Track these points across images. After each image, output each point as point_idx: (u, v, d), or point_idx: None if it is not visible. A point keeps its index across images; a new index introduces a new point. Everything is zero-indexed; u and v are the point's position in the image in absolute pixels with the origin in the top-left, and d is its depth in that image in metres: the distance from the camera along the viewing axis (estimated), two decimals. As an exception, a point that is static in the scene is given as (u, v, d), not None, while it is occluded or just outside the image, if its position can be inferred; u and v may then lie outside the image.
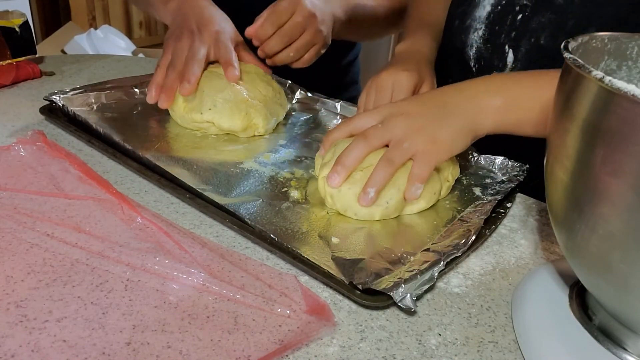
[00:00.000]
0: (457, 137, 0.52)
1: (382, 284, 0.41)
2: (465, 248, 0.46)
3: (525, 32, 0.63)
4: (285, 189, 0.55)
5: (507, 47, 0.65)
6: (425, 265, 0.43)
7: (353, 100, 0.81)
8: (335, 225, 0.50)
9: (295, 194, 0.54)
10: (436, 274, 0.43)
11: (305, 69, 0.80)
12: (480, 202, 0.55)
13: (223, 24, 0.72)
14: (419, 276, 0.42)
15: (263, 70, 0.74)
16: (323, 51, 0.80)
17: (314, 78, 0.87)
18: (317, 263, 0.43)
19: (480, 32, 0.68)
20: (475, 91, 0.54)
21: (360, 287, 0.41)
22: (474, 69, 0.70)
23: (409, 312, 0.41)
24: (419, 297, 0.42)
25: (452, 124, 0.52)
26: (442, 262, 0.44)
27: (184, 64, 0.66)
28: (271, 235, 0.46)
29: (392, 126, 0.51)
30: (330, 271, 0.42)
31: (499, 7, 0.66)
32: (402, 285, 0.40)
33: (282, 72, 0.85)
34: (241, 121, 0.65)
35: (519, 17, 0.64)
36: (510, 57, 0.65)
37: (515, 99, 0.53)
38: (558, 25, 0.61)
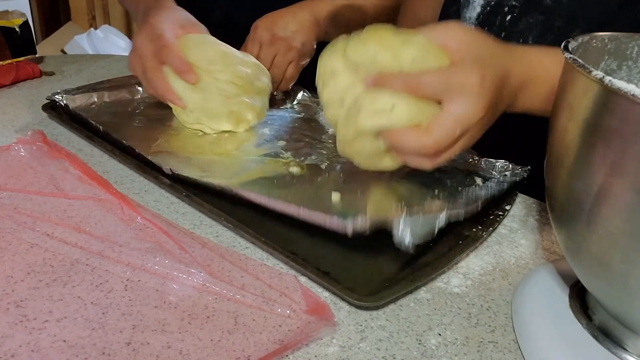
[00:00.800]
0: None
1: (382, 220, 0.41)
2: (473, 208, 0.46)
3: (513, 33, 0.64)
4: (285, 167, 0.57)
5: None
6: (429, 210, 0.43)
7: None
8: (337, 183, 0.52)
9: (295, 169, 0.56)
10: (439, 219, 0.42)
11: (306, 70, 0.80)
12: (483, 200, 0.54)
13: (165, 12, 0.69)
14: (421, 216, 0.41)
15: None
16: (305, 62, 0.79)
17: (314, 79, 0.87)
18: (319, 263, 0.43)
19: None
20: (530, 76, 0.49)
21: (360, 230, 0.41)
22: None
23: (409, 312, 0.41)
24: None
25: (497, 114, 0.48)
26: (445, 211, 0.43)
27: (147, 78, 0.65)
28: (271, 240, 0.46)
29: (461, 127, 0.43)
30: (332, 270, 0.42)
31: (488, 8, 0.66)
32: (404, 216, 0.40)
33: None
34: (227, 121, 0.65)
35: (508, 17, 0.64)
36: None
37: (551, 94, 0.50)
38: (545, 26, 0.61)
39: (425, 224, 0.41)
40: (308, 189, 0.50)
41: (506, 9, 0.64)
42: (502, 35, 0.65)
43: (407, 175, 0.53)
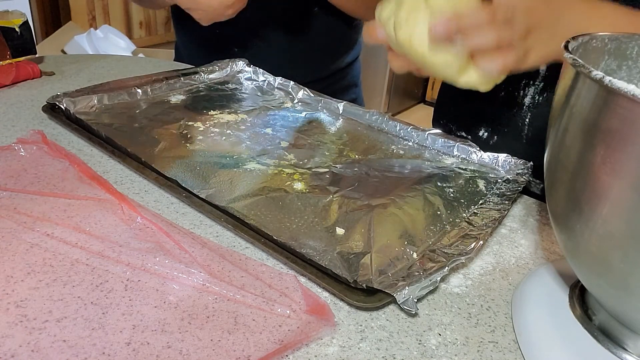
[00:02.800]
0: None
1: (386, 284, 0.41)
2: (471, 255, 0.46)
3: None
4: (289, 182, 0.56)
5: None
6: (430, 270, 0.43)
7: (353, 102, 0.81)
8: (340, 213, 0.51)
9: (298, 185, 0.56)
10: (439, 279, 0.43)
11: (303, 70, 0.80)
12: (484, 200, 0.55)
13: None
14: (422, 279, 0.42)
15: None
16: None
17: (313, 79, 0.87)
18: (319, 262, 0.43)
19: None
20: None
21: (364, 285, 0.41)
22: None
23: (410, 312, 0.41)
24: (419, 299, 0.42)
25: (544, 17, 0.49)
26: (446, 268, 0.44)
27: None
28: (274, 237, 0.46)
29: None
30: (334, 270, 0.42)
31: None
32: (407, 287, 0.40)
33: (282, 72, 0.84)
34: None
35: None
36: (543, 66, 0.65)
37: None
38: None
39: (427, 285, 0.42)
40: (312, 218, 0.50)
41: None
42: None
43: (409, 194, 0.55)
